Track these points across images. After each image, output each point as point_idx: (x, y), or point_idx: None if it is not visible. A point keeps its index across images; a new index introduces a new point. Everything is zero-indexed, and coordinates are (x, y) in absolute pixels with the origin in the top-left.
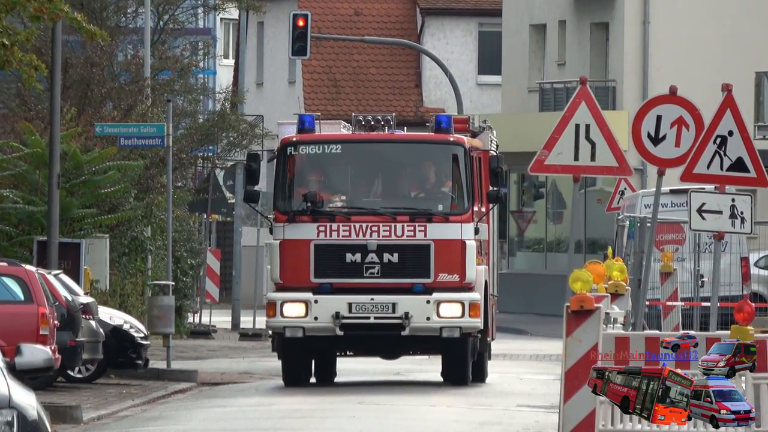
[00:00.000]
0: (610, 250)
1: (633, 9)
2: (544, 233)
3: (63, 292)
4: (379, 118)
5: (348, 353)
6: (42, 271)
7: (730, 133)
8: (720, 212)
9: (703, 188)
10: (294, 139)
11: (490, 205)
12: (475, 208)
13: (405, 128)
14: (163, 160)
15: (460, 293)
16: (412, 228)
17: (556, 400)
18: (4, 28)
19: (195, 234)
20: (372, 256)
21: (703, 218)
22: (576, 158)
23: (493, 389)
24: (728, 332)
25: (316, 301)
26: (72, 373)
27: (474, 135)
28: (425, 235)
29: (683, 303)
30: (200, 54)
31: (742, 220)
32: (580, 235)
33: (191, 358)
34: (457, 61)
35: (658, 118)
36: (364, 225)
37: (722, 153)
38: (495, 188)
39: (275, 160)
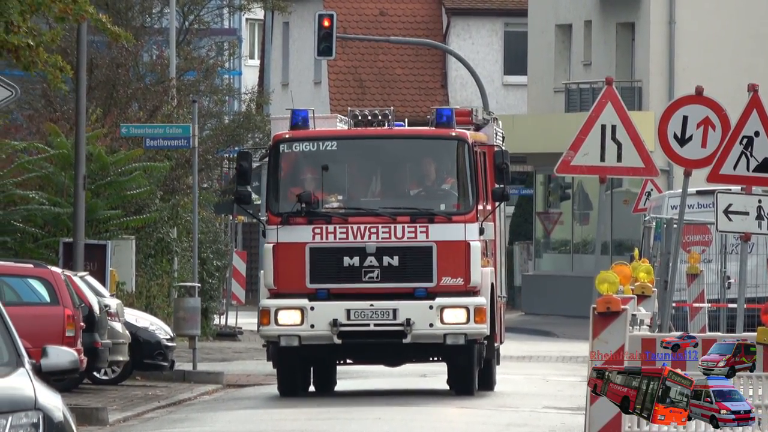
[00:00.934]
0: (636, 252)
1: (659, 9)
2: (571, 235)
3: (89, 294)
4: (377, 112)
5: (347, 361)
6: (68, 272)
7: (757, 134)
8: (746, 213)
9: (730, 189)
10: (287, 135)
11: (496, 204)
12: (480, 207)
13: (405, 122)
14: (189, 161)
15: (464, 298)
16: (413, 229)
17: (582, 402)
18: (29, 29)
19: (221, 235)
20: (371, 260)
21: (730, 219)
22: (602, 159)
23: (520, 391)
24: (755, 334)
25: (312, 308)
26: (98, 375)
27: (478, 128)
28: (427, 237)
29: (710, 305)
30: (225, 54)
31: None
32: (606, 237)
33: (217, 360)
34: (483, 61)
35: (685, 119)
36: (362, 226)
37: (748, 154)
38: (500, 185)
39: (267, 159)
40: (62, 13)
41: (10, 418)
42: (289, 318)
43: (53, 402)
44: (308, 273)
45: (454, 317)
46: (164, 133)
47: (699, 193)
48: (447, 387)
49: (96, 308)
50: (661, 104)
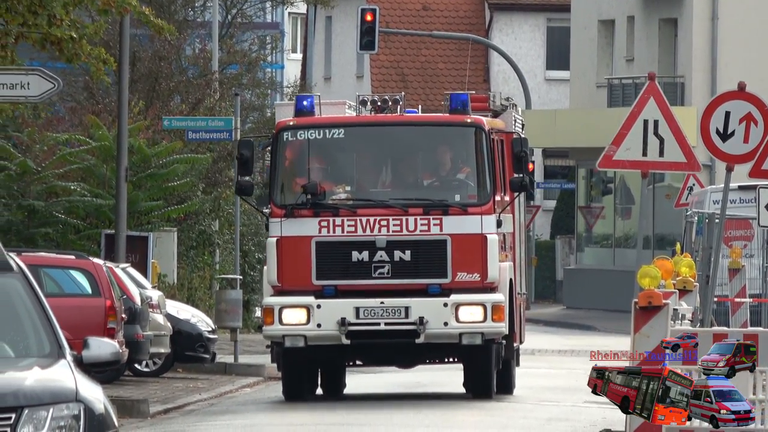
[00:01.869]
0: (678, 246)
1: (701, 5)
2: (612, 229)
3: (130, 286)
4: (387, 97)
5: (356, 363)
6: (109, 264)
7: None
8: None
9: None
10: (291, 123)
11: (515, 194)
12: (497, 198)
13: (419, 109)
14: (231, 153)
15: (481, 294)
16: (426, 221)
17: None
18: (72, 21)
19: (263, 228)
20: (381, 254)
21: None
22: (644, 154)
23: (561, 384)
24: None
25: (318, 306)
26: (139, 367)
27: (495, 115)
28: (441, 230)
29: (751, 299)
30: (268, 48)
31: None
32: (648, 231)
33: (259, 353)
34: (525, 56)
35: (727, 114)
36: (371, 219)
37: None
38: (519, 175)
39: (270, 148)
40: (105, 5)
41: (51, 410)
42: (294, 317)
43: (94, 394)
44: (314, 269)
45: (470, 315)
46: (206, 126)
47: (741, 188)
48: (463, 390)
49: (137, 300)
50: (703, 100)
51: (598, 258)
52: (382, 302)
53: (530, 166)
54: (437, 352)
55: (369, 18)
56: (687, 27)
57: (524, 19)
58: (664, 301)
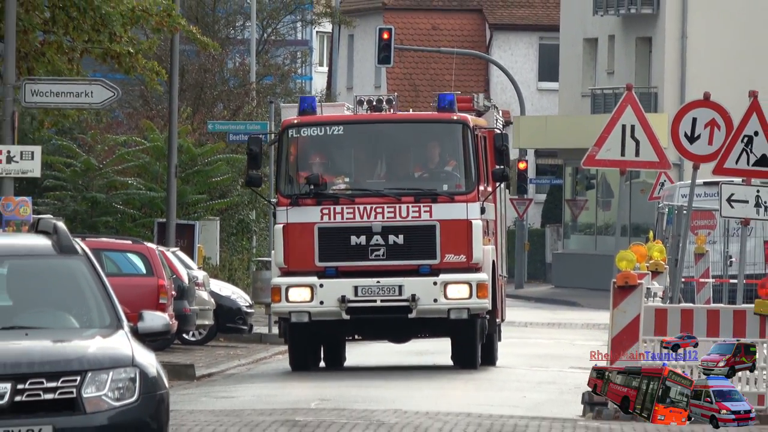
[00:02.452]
0: (651, 234)
1: (673, 25)
2: (594, 219)
3: (179, 267)
4: (381, 98)
5: (355, 337)
6: (161, 248)
7: (756, 134)
8: (746, 201)
9: (732, 181)
10: (295, 121)
11: (497, 184)
12: (481, 188)
13: (410, 108)
14: (266, 153)
15: (467, 274)
16: (417, 209)
17: (604, 363)
18: (130, 38)
19: None
20: (377, 238)
21: (732, 207)
22: (622, 154)
23: (549, 352)
24: (753, 305)
25: (321, 285)
26: (187, 337)
27: (479, 114)
28: (430, 216)
29: (714, 280)
30: (298, 62)
31: (766, 208)
32: (625, 221)
33: None
34: (520, 69)
35: (694, 120)
36: (368, 207)
37: (749, 150)
38: (500, 167)
39: (277, 144)
40: (158, 25)
41: (111, 373)
42: (299, 295)
43: (148, 359)
44: (317, 252)
45: (457, 292)
46: (245, 129)
47: (706, 184)
48: (450, 363)
49: (185, 279)
50: (673, 107)
51: (582, 244)
52: (378, 281)
53: (524, 164)
54: (428, 326)
55: (386, 36)
56: (660, 45)
57: (519, 38)
58: (638, 281)
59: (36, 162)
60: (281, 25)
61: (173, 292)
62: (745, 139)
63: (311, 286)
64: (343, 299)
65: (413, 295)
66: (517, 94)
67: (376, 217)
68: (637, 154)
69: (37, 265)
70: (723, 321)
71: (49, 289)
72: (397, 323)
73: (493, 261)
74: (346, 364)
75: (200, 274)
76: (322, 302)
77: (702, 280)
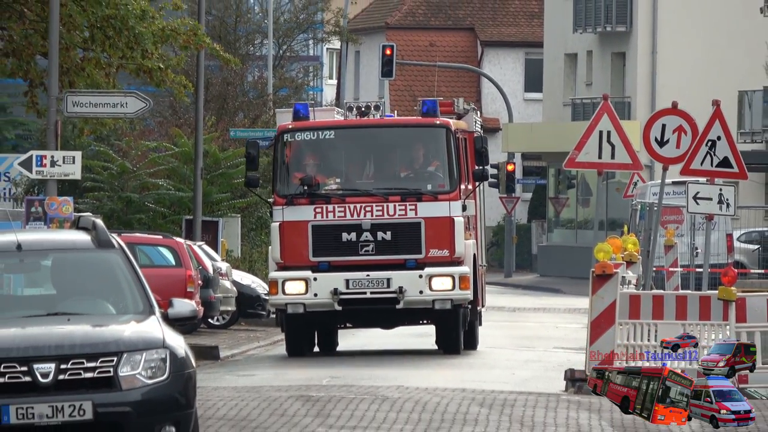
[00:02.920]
0: (625, 228)
1: (644, 42)
2: (575, 215)
3: (205, 259)
4: (369, 104)
5: (347, 325)
6: (189, 242)
7: (719, 138)
8: (710, 199)
9: (698, 180)
10: (290, 126)
11: (477, 183)
12: (462, 187)
13: (395, 113)
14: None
15: (450, 267)
16: (403, 207)
17: (584, 344)
18: (160, 55)
19: None
20: (366, 235)
21: (698, 203)
22: (599, 157)
23: (535, 334)
24: (716, 291)
25: (315, 279)
26: (212, 321)
27: (459, 117)
28: (416, 214)
29: (682, 269)
30: (311, 76)
31: (728, 204)
32: (602, 216)
33: None
34: (508, 81)
35: (663, 126)
36: (358, 205)
37: (712, 153)
38: (480, 167)
39: (273, 147)
40: (185, 43)
41: (144, 354)
42: (294, 288)
43: (177, 342)
44: (311, 248)
45: (441, 285)
46: (263, 136)
47: (674, 183)
48: (435, 347)
49: (210, 270)
50: (645, 115)
51: (564, 237)
52: (367, 275)
53: (512, 166)
54: (414, 315)
55: (388, 52)
56: (633, 59)
57: (507, 53)
58: (614, 271)
59: (77, 166)
60: (295, 42)
61: (199, 282)
62: (709, 143)
63: (306, 280)
64: (335, 291)
65: (400, 288)
66: (506, 103)
67: (365, 215)
68: (612, 156)
69: (78, 258)
70: (690, 306)
71: (89, 279)
72: (385, 313)
73: (474, 254)
74: (339, 348)
75: (223, 266)
76: (316, 294)
77: (671, 269)
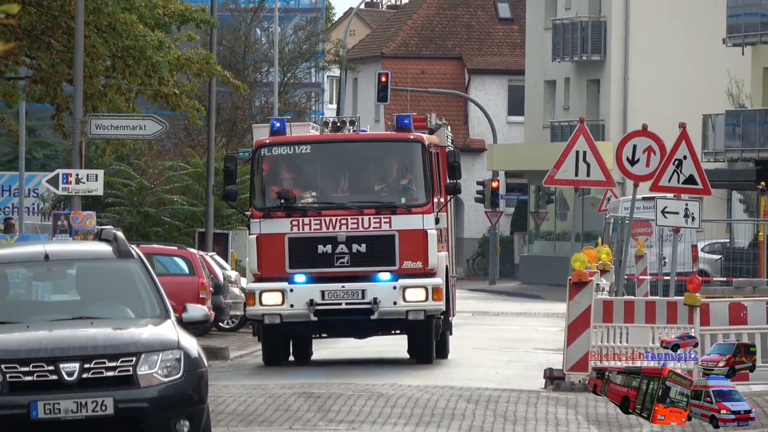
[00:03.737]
0: (600, 240)
1: (617, 70)
2: (554, 227)
3: (216, 268)
4: (345, 119)
5: (322, 335)
6: (201, 253)
7: (685, 157)
8: (677, 213)
9: (665, 196)
10: (267, 141)
11: (450, 197)
12: (435, 200)
13: (368, 128)
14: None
15: (423, 279)
16: (378, 220)
17: (562, 345)
18: (176, 82)
19: None
20: (342, 247)
21: (665, 217)
22: (576, 175)
23: (517, 336)
24: (683, 297)
25: (291, 290)
26: (222, 325)
27: (431, 132)
28: (390, 226)
29: (651, 277)
30: (312, 101)
31: (693, 218)
32: (578, 229)
33: None
34: (493, 105)
35: (634, 147)
36: (333, 218)
37: (679, 171)
38: (453, 181)
39: (251, 161)
40: (199, 70)
41: (160, 354)
42: (271, 299)
43: (191, 343)
44: (287, 259)
45: (414, 296)
46: None
47: (644, 198)
48: (407, 356)
49: (221, 278)
50: (617, 137)
51: (543, 248)
52: (343, 286)
53: (496, 183)
54: (388, 325)
55: (383, 79)
56: (606, 85)
57: (492, 80)
58: (589, 279)
59: (99, 183)
60: (298, 70)
61: (211, 289)
62: (676, 162)
63: (282, 291)
64: (311, 302)
65: (375, 299)
66: (491, 126)
67: (340, 228)
68: (588, 174)
69: (100, 267)
70: (659, 310)
71: (110, 286)
72: (360, 323)
73: (447, 265)
74: (313, 357)
75: (233, 274)
76: (292, 305)
77: (641, 277)
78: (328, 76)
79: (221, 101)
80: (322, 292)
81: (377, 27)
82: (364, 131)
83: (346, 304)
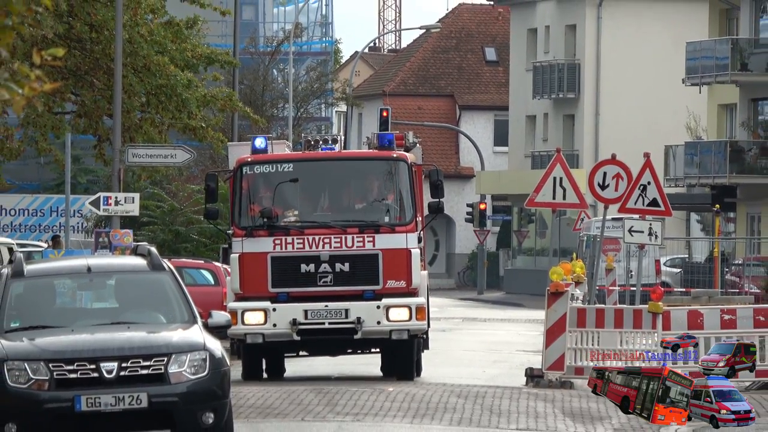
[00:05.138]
0: (574, 255)
1: (589, 106)
2: (534, 244)
3: None
4: (327, 137)
5: (299, 354)
6: (225, 266)
7: (649, 183)
8: (642, 231)
9: (632, 217)
10: (249, 159)
11: (434, 216)
12: (418, 219)
13: (348, 146)
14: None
15: (407, 298)
16: (361, 239)
17: (541, 347)
18: (202, 116)
19: None
20: (325, 266)
21: (632, 235)
22: (554, 198)
23: (502, 340)
24: (647, 306)
25: (274, 309)
26: None
27: (407, 149)
28: (374, 245)
29: (619, 287)
30: (322, 133)
31: (656, 236)
32: (556, 245)
33: None
34: (481, 137)
35: (605, 174)
36: (316, 237)
37: (644, 195)
38: (436, 199)
39: (231, 179)
40: (223, 106)
41: (189, 355)
42: (254, 318)
43: (215, 345)
44: (270, 278)
45: (398, 315)
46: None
47: (613, 219)
48: (380, 374)
49: None
50: (590, 165)
51: (525, 262)
52: (326, 305)
53: (484, 205)
54: (370, 345)
55: (384, 114)
56: (580, 120)
57: (480, 115)
58: (565, 289)
59: (135, 204)
60: (310, 106)
61: None
62: (641, 187)
63: (265, 310)
64: (294, 322)
65: (359, 318)
66: (479, 155)
67: (323, 247)
68: (564, 197)
69: (136, 278)
70: (626, 317)
71: (145, 295)
72: (342, 343)
73: (427, 285)
74: (286, 375)
75: None
76: (275, 325)
77: (610, 287)
78: (336, 111)
79: (242, 133)
80: (306, 312)
81: (379, 68)
82: (346, 150)
83: (329, 323)
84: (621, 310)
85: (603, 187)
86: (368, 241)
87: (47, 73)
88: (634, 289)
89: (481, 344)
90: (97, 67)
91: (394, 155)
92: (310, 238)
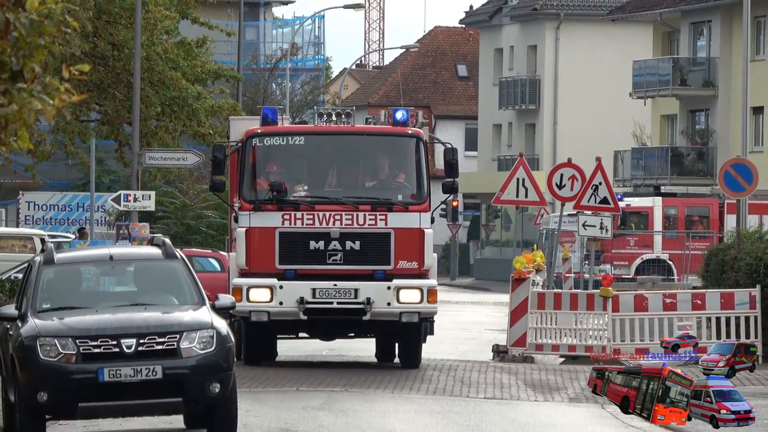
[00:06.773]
0: (535, 246)
1: (548, 116)
2: (500, 236)
3: None
4: (340, 111)
5: (299, 336)
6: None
7: (600, 184)
8: (594, 226)
9: (586, 213)
10: (259, 131)
11: (448, 195)
12: (431, 198)
13: (365, 121)
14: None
15: (418, 280)
16: (373, 217)
17: (506, 327)
18: (210, 124)
19: None
20: (335, 244)
21: (585, 229)
22: (517, 196)
23: (472, 320)
24: (599, 291)
25: (281, 287)
26: None
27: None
28: (386, 224)
29: (574, 274)
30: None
31: (606, 230)
32: (519, 238)
33: None
34: (453, 143)
35: (561, 175)
36: (327, 214)
37: (596, 194)
38: (450, 179)
39: (239, 151)
40: (228, 115)
41: (198, 333)
42: (259, 295)
43: (221, 324)
44: (278, 255)
45: (409, 297)
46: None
47: (569, 215)
48: (374, 360)
49: None
50: (549, 167)
51: (492, 252)
52: (335, 284)
53: (456, 202)
54: (378, 327)
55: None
56: (540, 128)
57: (453, 123)
58: (527, 276)
59: (152, 201)
60: (304, 115)
61: None
62: (593, 187)
63: (271, 287)
64: (301, 300)
65: (368, 299)
66: None
67: (334, 224)
68: (526, 196)
69: (152, 266)
70: (580, 300)
71: (160, 280)
72: (350, 324)
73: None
74: (278, 358)
75: None
76: (281, 303)
77: (567, 275)
78: None
79: None
80: (313, 290)
81: (365, 83)
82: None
83: (338, 303)
84: (576, 294)
85: (560, 186)
86: (380, 220)
87: (75, 86)
88: (588, 276)
89: (453, 324)
90: (119, 81)
91: (410, 131)
92: (321, 214)
